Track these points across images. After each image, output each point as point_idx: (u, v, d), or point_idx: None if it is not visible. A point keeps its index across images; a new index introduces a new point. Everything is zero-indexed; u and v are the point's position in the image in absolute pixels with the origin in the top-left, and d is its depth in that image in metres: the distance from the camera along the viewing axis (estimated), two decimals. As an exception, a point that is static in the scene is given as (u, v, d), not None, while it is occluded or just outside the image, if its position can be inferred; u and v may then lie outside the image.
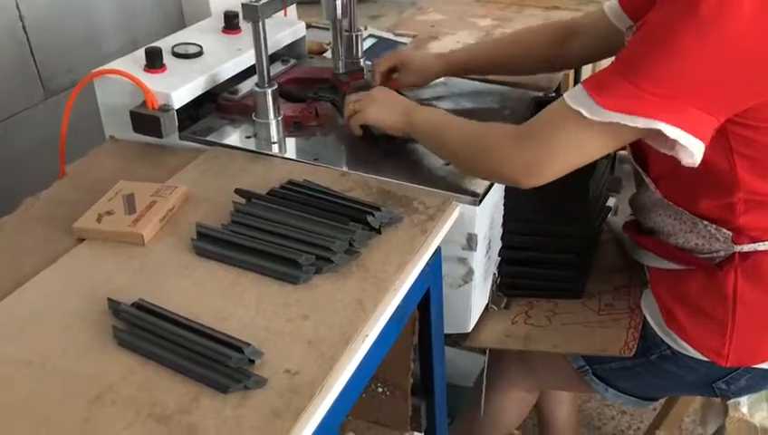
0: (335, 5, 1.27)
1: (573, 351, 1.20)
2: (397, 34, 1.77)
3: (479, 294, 1.21)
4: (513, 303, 1.30)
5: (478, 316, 1.25)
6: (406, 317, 1.00)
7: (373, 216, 0.99)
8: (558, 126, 0.97)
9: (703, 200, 1.06)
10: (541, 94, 1.42)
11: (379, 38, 1.72)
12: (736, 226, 1.04)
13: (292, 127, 1.28)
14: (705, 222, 1.06)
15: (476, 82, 1.51)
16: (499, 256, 1.25)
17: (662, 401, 1.60)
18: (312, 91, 1.40)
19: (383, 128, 1.18)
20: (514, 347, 1.22)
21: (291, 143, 1.25)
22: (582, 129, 0.94)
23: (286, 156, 1.21)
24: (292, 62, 1.50)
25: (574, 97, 0.94)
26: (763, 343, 1.10)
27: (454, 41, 1.74)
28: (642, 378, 1.19)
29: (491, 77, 1.59)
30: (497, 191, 1.17)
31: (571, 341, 1.20)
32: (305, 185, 1.08)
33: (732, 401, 1.20)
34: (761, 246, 1.05)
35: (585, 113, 0.92)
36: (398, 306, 0.92)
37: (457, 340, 1.26)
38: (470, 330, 1.23)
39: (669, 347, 1.14)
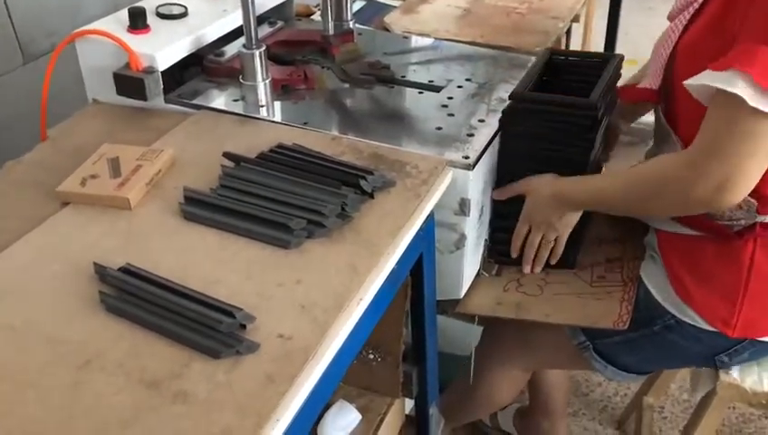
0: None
1: (566, 322, 1.19)
2: (386, -3, 1.74)
3: (471, 261, 1.19)
4: (505, 270, 1.29)
5: (470, 283, 1.23)
6: (399, 282, 0.99)
7: (365, 180, 0.97)
8: (739, 132, 0.91)
9: None
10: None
11: (369, 0, 1.69)
12: (763, 195, 1.02)
13: (280, 90, 1.25)
14: None
15: (467, 46, 1.49)
16: (491, 222, 1.24)
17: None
18: (300, 53, 1.37)
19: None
20: (506, 315, 1.21)
21: (279, 106, 1.22)
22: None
23: (275, 119, 1.18)
24: (280, 24, 1.46)
25: (753, 96, 0.88)
26: None
27: (445, 4, 1.72)
28: (644, 351, 1.19)
29: (480, 40, 1.57)
30: (491, 157, 1.15)
31: (563, 311, 1.19)
32: (295, 149, 1.06)
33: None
34: None
35: None
36: (392, 271, 0.91)
37: (445, 307, 1.24)
38: (462, 296, 1.22)
39: (674, 317, 1.13)
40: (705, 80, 0.93)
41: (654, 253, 1.18)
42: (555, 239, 1.20)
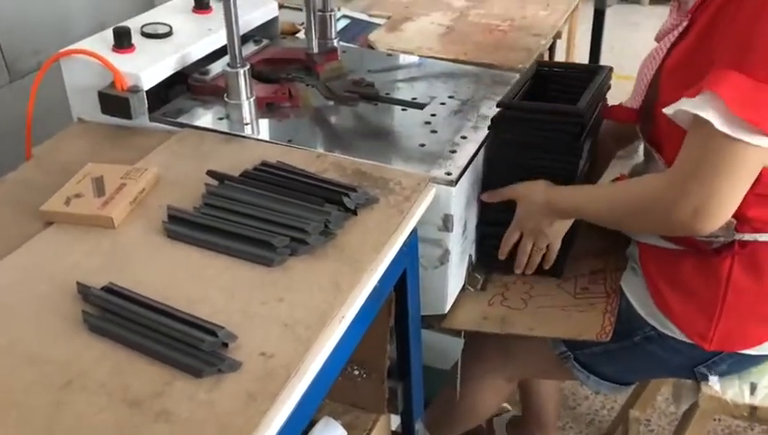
0: (308, -15, 1.26)
1: (550, 335, 1.20)
2: (371, 15, 1.76)
3: (455, 275, 1.20)
4: (490, 284, 1.30)
5: (455, 298, 1.24)
6: (382, 299, 0.99)
7: (349, 197, 0.98)
8: (713, 156, 0.93)
9: None
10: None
11: (353, 19, 1.70)
12: (742, 215, 1.03)
13: (264, 108, 1.26)
14: None
15: (450, 63, 1.51)
16: (479, 228, 1.24)
17: (636, 380, 1.61)
18: (285, 71, 1.38)
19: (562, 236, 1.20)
20: (491, 330, 1.21)
21: (264, 124, 1.23)
22: (742, 153, 0.91)
23: (259, 137, 1.19)
24: (265, 42, 1.47)
25: (722, 121, 0.90)
26: (748, 329, 1.11)
27: (428, 21, 1.73)
28: (625, 361, 1.19)
29: (463, 57, 1.58)
30: (473, 173, 1.16)
31: (547, 324, 1.19)
32: (279, 166, 1.06)
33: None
34: (761, 237, 1.05)
35: (748, 140, 0.90)
36: (375, 288, 0.91)
37: (431, 322, 1.25)
38: (447, 311, 1.22)
39: (654, 328, 1.14)
40: (681, 106, 0.95)
41: (635, 264, 1.19)
42: (547, 246, 1.21)
